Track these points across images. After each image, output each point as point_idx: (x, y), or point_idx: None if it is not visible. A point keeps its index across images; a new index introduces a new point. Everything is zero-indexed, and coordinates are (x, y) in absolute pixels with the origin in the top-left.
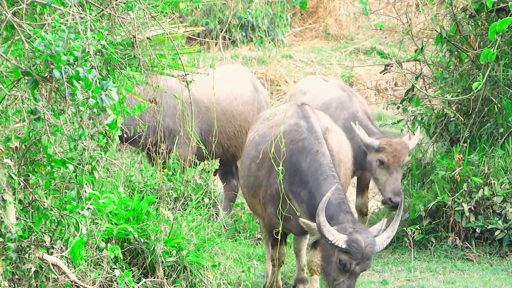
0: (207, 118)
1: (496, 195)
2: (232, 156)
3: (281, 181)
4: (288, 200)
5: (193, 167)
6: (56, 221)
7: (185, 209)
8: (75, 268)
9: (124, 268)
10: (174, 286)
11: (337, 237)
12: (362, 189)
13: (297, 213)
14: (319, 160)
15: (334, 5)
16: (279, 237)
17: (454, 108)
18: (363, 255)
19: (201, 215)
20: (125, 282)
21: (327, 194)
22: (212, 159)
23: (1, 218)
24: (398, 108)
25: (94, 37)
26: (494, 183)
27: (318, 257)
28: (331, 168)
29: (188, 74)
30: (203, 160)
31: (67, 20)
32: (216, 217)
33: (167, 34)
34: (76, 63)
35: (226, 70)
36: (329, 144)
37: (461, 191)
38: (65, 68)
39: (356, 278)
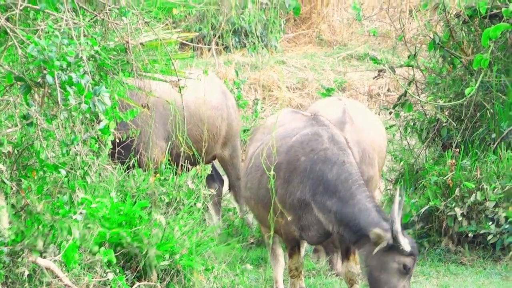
0: (174, 121)
1: (489, 200)
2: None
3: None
4: (305, 209)
5: (185, 172)
6: (48, 225)
7: (178, 214)
8: (68, 272)
9: (118, 271)
10: None
11: (405, 242)
12: None
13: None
14: (348, 170)
15: (328, 11)
16: (270, 241)
17: (446, 114)
18: (418, 255)
19: (193, 219)
20: (118, 286)
21: (396, 203)
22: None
23: None
24: (390, 113)
25: (87, 43)
26: (487, 188)
27: (356, 267)
28: (360, 177)
29: (180, 79)
30: (175, 161)
31: (60, 26)
32: (208, 222)
33: (160, 40)
34: (69, 68)
35: (196, 75)
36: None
37: (453, 196)
38: (58, 73)
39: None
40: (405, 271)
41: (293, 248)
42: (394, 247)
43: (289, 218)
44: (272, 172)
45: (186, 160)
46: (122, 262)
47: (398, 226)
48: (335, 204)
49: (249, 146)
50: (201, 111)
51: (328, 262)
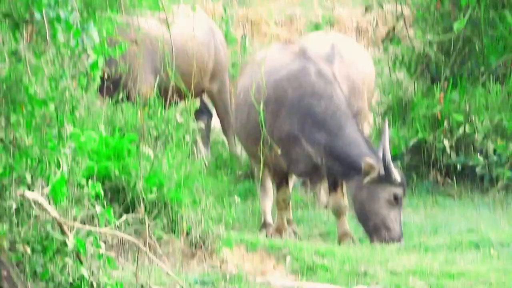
0: (162, 56)
1: (477, 132)
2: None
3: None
4: (293, 143)
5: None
6: (37, 159)
7: (166, 147)
8: (56, 205)
9: (105, 204)
10: (155, 223)
11: (396, 172)
12: None
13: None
14: (335, 103)
15: None
16: (260, 174)
17: (435, 48)
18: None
19: (182, 153)
20: (106, 219)
21: (386, 134)
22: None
23: None
24: (378, 48)
25: None
26: (475, 120)
27: (343, 199)
28: (348, 110)
29: (168, 15)
30: (163, 96)
31: None
32: (196, 155)
33: None
34: (56, 5)
35: (183, 11)
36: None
37: (442, 128)
38: (45, 10)
39: None
40: (396, 202)
41: (281, 181)
42: (384, 178)
43: (278, 152)
44: (261, 106)
45: (175, 94)
46: (110, 195)
47: (389, 157)
48: (323, 137)
49: (239, 81)
50: (188, 46)
51: (314, 195)
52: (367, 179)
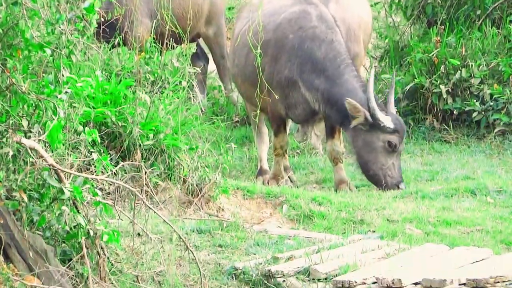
0: None
1: (474, 77)
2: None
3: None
4: (292, 88)
5: (170, 50)
6: (33, 105)
7: (162, 92)
8: (52, 152)
9: (102, 151)
10: (152, 169)
11: (385, 119)
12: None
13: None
14: (336, 48)
15: None
16: (257, 120)
17: None
18: (404, 132)
19: (178, 98)
20: (102, 166)
21: (371, 81)
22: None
23: None
24: None
25: None
26: (472, 64)
27: (340, 145)
28: (348, 56)
29: None
30: (159, 40)
31: None
32: (192, 101)
33: None
34: None
35: None
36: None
37: (438, 73)
38: None
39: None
40: (391, 149)
41: (279, 127)
42: (376, 125)
43: (276, 96)
44: (258, 50)
45: (171, 39)
46: (107, 141)
47: (373, 103)
48: (322, 82)
49: (236, 24)
50: None
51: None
52: (354, 123)
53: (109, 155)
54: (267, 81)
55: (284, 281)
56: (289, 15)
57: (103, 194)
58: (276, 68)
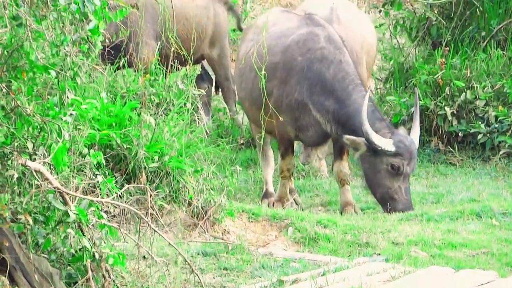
0: (163, 19)
1: (479, 98)
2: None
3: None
4: (302, 110)
5: (175, 72)
6: (38, 127)
7: (167, 114)
8: (58, 174)
9: (107, 174)
10: (157, 192)
11: (385, 142)
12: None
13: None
14: (344, 69)
15: None
16: (261, 141)
17: (436, 12)
18: (411, 154)
19: (183, 120)
20: (107, 188)
21: (365, 105)
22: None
23: None
24: (380, 12)
25: None
26: (477, 86)
27: (346, 166)
28: (357, 76)
29: None
30: (164, 62)
31: None
32: (197, 123)
33: None
34: None
35: None
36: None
37: (443, 95)
38: None
39: (409, 180)
40: (395, 171)
41: (286, 149)
42: (378, 149)
43: (281, 119)
44: (263, 72)
45: (176, 61)
46: (112, 164)
47: (366, 127)
48: (332, 104)
49: (240, 46)
50: (186, 10)
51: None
52: (356, 154)
53: (114, 178)
54: (276, 104)
55: None
56: (297, 37)
57: (108, 217)
58: (286, 91)
